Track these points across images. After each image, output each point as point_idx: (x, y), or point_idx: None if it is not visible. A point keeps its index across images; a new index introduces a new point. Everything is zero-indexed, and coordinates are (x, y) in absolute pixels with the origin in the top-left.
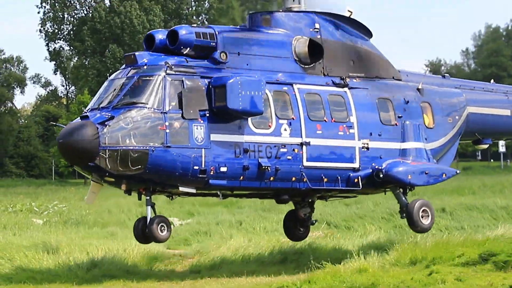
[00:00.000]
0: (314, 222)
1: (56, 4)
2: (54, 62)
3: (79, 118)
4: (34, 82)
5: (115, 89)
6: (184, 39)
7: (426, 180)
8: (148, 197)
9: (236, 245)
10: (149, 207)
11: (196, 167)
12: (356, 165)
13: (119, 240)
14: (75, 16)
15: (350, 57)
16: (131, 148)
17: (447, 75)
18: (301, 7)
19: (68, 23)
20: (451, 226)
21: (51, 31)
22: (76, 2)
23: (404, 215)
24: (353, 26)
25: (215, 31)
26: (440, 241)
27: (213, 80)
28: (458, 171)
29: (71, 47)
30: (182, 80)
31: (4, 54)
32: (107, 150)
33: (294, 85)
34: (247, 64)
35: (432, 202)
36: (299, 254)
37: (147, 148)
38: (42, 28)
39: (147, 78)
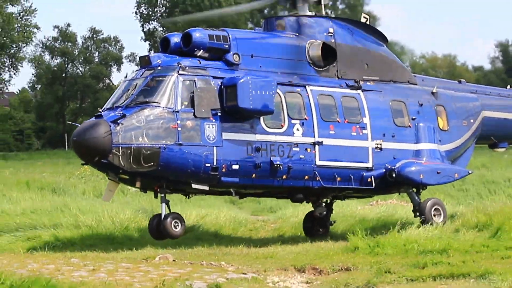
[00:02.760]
0: (332, 222)
1: None
2: (148, 42)
3: (93, 117)
4: (129, 61)
5: (129, 89)
6: (197, 41)
7: (438, 179)
8: (162, 195)
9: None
10: (163, 204)
11: (208, 165)
12: (369, 165)
13: (208, 207)
14: (168, 1)
15: (364, 60)
16: (144, 145)
17: (463, 80)
18: (316, 12)
19: (161, 5)
20: None
21: (146, 13)
22: None
23: (417, 213)
24: (368, 32)
25: (228, 34)
26: (505, 207)
27: (225, 80)
28: (470, 171)
29: (164, 28)
30: (194, 81)
31: (102, 34)
32: (120, 148)
33: (307, 86)
34: (261, 66)
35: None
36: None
37: (159, 146)
38: (137, 10)
39: (160, 78)
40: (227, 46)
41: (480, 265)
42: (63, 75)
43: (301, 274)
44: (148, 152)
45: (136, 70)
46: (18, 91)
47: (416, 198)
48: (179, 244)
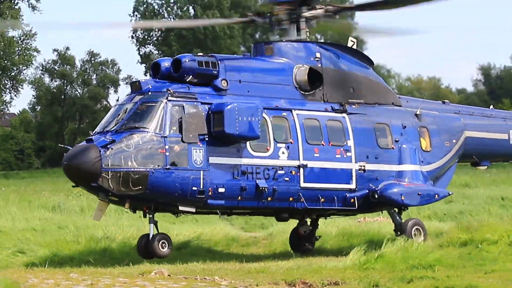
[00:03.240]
0: (318, 237)
1: (146, 13)
2: (144, 65)
3: (84, 141)
4: (126, 83)
5: (120, 114)
6: (187, 67)
7: (419, 200)
8: (151, 215)
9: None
10: (151, 225)
11: (194, 188)
12: (352, 186)
13: (203, 222)
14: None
15: (350, 84)
16: (132, 169)
17: (447, 101)
18: (303, 38)
19: (156, 29)
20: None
21: (142, 37)
22: (164, 11)
23: (399, 233)
24: (354, 55)
25: (217, 60)
26: (487, 223)
27: (212, 106)
28: (451, 192)
29: (159, 51)
30: (183, 106)
31: (100, 57)
32: (109, 172)
33: (293, 110)
34: (248, 91)
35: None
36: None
37: (148, 170)
38: (134, 34)
39: (150, 103)
40: (215, 72)
41: (464, 280)
42: (62, 96)
43: None
44: (137, 176)
45: (127, 95)
46: (19, 112)
47: (398, 218)
48: (174, 260)
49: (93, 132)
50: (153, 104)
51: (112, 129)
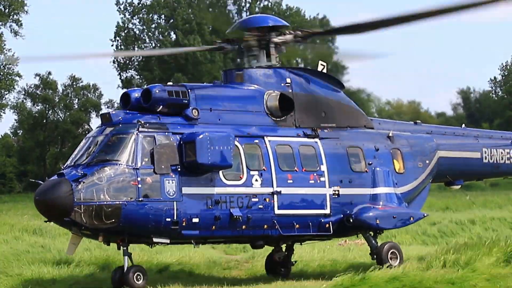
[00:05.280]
0: (293, 263)
1: (127, 38)
2: (125, 89)
3: (56, 175)
4: (108, 107)
5: (91, 147)
6: (157, 98)
7: (394, 223)
8: (124, 248)
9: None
10: (126, 257)
11: (168, 219)
12: (327, 211)
13: (183, 246)
14: (144, 49)
15: (322, 108)
16: (105, 203)
17: (419, 121)
18: (274, 64)
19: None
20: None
21: (123, 62)
22: (145, 36)
23: (375, 256)
24: (325, 79)
25: (187, 89)
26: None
27: (184, 136)
28: (426, 214)
29: (141, 76)
30: (154, 137)
31: (82, 82)
32: (82, 206)
33: (265, 137)
34: (219, 119)
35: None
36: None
37: (120, 202)
38: (115, 59)
39: (121, 135)
40: (186, 101)
41: None
42: (44, 121)
43: None
44: (109, 209)
45: (98, 127)
46: (1, 137)
47: (373, 241)
48: (155, 283)
49: (64, 166)
50: (124, 136)
51: (84, 162)
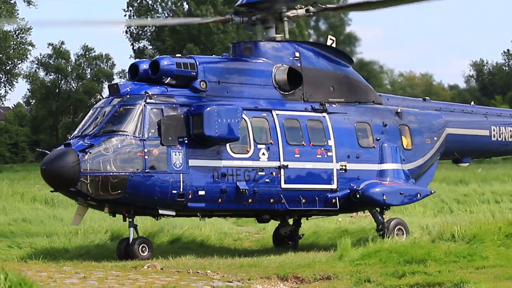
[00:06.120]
0: (301, 236)
1: (140, 9)
2: (138, 59)
3: (62, 145)
4: (120, 77)
5: (98, 117)
6: (165, 69)
7: (401, 200)
8: (130, 219)
9: None
10: (131, 229)
11: (174, 191)
12: (334, 186)
13: (192, 219)
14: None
15: (330, 83)
16: (111, 173)
17: (428, 98)
18: (283, 37)
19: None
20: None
21: (136, 32)
22: (158, 6)
23: (381, 233)
24: (334, 54)
25: (195, 61)
26: (479, 219)
27: (191, 108)
28: (433, 191)
29: (153, 46)
30: (162, 109)
31: (94, 52)
32: (88, 176)
33: (273, 111)
34: (227, 92)
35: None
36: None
37: (127, 173)
38: (128, 29)
39: (128, 106)
40: (194, 73)
41: (456, 275)
42: (57, 90)
43: (283, 282)
44: (116, 180)
45: (106, 97)
46: (14, 106)
47: (380, 218)
48: (167, 253)
49: (71, 136)
50: (132, 107)
51: (91, 132)
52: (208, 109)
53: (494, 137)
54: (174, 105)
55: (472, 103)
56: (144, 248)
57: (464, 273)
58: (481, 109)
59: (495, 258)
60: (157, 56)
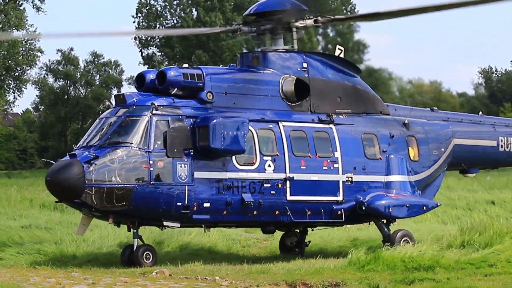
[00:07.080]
0: (307, 243)
1: (149, 15)
2: (147, 66)
3: (68, 156)
4: (129, 84)
5: (104, 128)
6: (172, 80)
7: (407, 213)
8: (135, 230)
9: None
10: (136, 240)
11: (179, 203)
12: (339, 198)
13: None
14: (166, 25)
15: (337, 94)
16: (116, 185)
17: (435, 108)
18: (291, 47)
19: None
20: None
21: (144, 39)
22: (167, 13)
23: (387, 244)
24: (342, 64)
25: (202, 72)
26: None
27: (198, 120)
28: (439, 204)
29: (162, 53)
30: (168, 120)
31: (103, 58)
32: (92, 187)
33: (280, 122)
34: (234, 103)
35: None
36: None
37: (131, 185)
38: (137, 36)
39: (134, 118)
40: (201, 84)
41: (464, 282)
42: (66, 96)
43: None
44: (121, 191)
45: (112, 108)
46: (22, 112)
47: (386, 229)
48: (175, 260)
49: (77, 146)
50: (138, 118)
51: (96, 143)
52: (214, 121)
53: (501, 147)
54: (180, 116)
55: (480, 113)
56: (148, 256)
57: (473, 280)
58: (489, 119)
59: (503, 266)
60: (165, 66)
